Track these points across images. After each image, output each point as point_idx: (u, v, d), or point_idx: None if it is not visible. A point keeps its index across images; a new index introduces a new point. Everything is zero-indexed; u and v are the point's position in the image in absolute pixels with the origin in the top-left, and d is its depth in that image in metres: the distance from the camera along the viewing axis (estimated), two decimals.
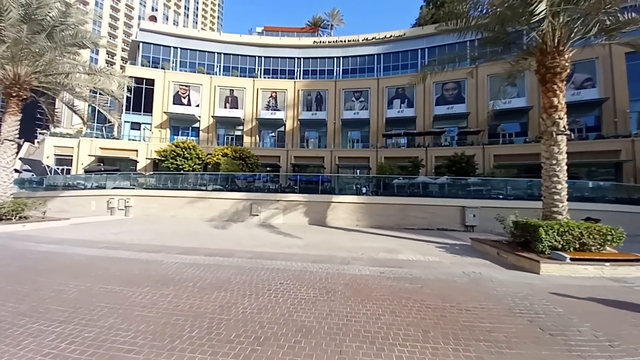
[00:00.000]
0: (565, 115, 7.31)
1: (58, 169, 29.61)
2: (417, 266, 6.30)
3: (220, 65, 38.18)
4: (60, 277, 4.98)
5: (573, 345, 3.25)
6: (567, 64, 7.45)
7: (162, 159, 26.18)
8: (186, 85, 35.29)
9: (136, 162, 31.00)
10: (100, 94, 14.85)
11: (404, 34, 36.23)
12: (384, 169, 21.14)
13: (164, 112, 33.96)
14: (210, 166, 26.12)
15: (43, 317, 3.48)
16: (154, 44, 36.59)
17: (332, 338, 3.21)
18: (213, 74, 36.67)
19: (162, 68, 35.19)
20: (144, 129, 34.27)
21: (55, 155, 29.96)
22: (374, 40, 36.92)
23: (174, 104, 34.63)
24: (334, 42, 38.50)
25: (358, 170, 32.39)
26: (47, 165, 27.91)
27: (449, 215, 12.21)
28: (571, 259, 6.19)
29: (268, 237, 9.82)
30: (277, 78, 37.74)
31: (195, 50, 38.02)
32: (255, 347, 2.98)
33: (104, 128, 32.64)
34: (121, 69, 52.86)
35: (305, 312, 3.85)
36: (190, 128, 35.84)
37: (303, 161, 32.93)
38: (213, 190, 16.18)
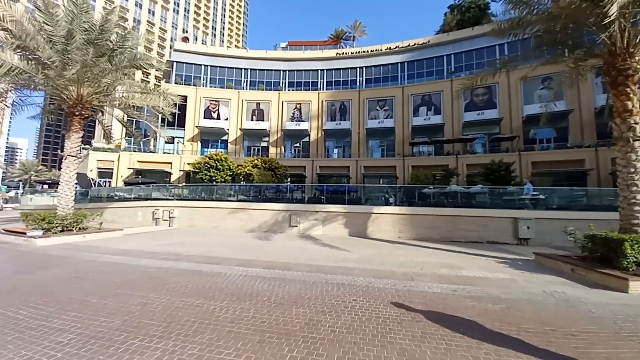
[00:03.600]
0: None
1: (101, 181, 31.62)
2: (489, 284, 5.91)
3: (247, 80, 39.69)
4: (139, 290, 5.13)
5: None
6: (639, 66, 6.94)
7: (196, 170, 27.21)
8: (216, 101, 36.89)
9: (170, 174, 32.51)
10: (146, 110, 15.82)
11: (429, 41, 35.91)
12: (420, 178, 20.56)
13: (196, 126, 35.59)
14: (241, 177, 26.76)
15: (140, 333, 3.54)
16: (186, 63, 38.79)
17: None
18: (240, 89, 38.14)
19: (194, 85, 37.09)
20: (177, 142, 35.98)
21: (98, 168, 32.05)
22: (397, 49, 36.86)
23: (204, 118, 36.24)
24: (356, 52, 38.89)
25: (382, 180, 31.90)
26: (92, 178, 29.88)
27: (500, 228, 11.54)
28: None
29: (316, 249, 9.72)
30: (301, 90, 38.55)
31: (224, 67, 39.85)
32: None
33: (141, 142, 34.63)
34: (155, 86, 56.47)
35: (398, 334, 3.65)
36: (219, 141, 37.25)
37: (328, 171, 32.99)
38: (252, 201, 16.48)
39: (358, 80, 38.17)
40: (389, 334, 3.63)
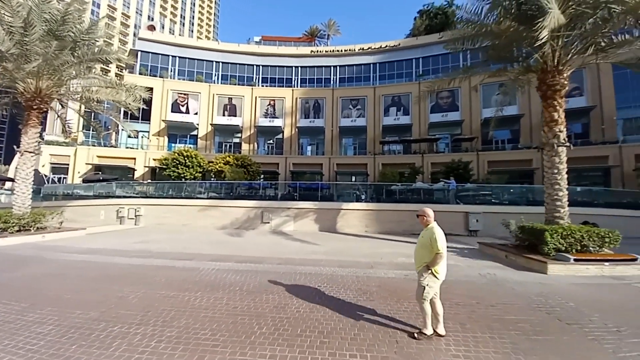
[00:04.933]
0: (565, 129, 8.04)
1: (54, 177, 29.34)
2: None
3: (218, 74, 38.72)
4: (113, 284, 5.29)
5: (588, 332, 3.79)
6: (565, 82, 8.21)
7: (164, 167, 26.28)
8: (185, 94, 35.61)
9: (134, 170, 30.98)
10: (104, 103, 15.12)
11: (399, 44, 37.46)
12: (387, 176, 21.75)
13: (162, 120, 34.16)
14: (212, 174, 26.33)
15: (119, 321, 3.81)
16: (152, 53, 36.92)
17: (385, 331, 3.68)
18: (211, 83, 37.12)
19: (161, 77, 35.46)
20: (142, 137, 34.26)
21: (51, 164, 29.66)
22: (369, 49, 38.01)
23: (172, 112, 34.88)
24: (330, 51, 39.48)
25: (354, 177, 33.07)
26: (44, 175, 27.65)
27: (455, 221, 12.85)
28: (575, 260, 6.80)
29: (287, 244, 10.21)
30: (275, 86, 38.41)
31: (194, 59, 38.48)
32: (323, 340, 3.42)
33: (101, 136, 32.53)
34: (116, 76, 52.80)
35: (353, 310, 4.30)
36: (188, 136, 36.09)
37: (301, 168, 33.42)
38: (224, 198, 16.48)
39: (332, 79, 38.82)
40: (346, 311, 4.26)
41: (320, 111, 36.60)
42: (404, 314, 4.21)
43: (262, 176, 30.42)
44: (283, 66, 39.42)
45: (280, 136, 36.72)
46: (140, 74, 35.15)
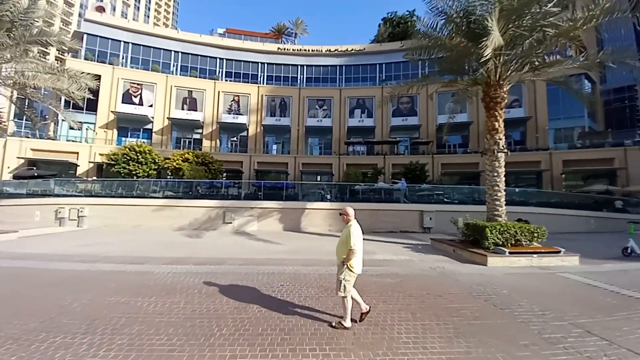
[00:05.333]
0: (504, 137, 9.06)
1: None
2: (393, 264, 7.28)
3: (177, 65, 36.50)
4: (53, 292, 4.80)
5: (518, 315, 4.37)
6: (505, 95, 9.25)
7: (112, 162, 24.00)
8: (138, 84, 32.95)
9: (76, 166, 27.87)
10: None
11: (364, 49, 38.69)
12: (350, 176, 22.39)
13: (112, 112, 31.26)
14: (168, 172, 24.71)
15: (61, 331, 3.50)
16: (100, 37, 33.59)
17: None
18: (169, 73, 34.83)
19: (111, 64, 32.38)
20: (86, 129, 30.93)
21: None
22: (336, 52, 38.69)
23: (123, 102, 32.08)
24: (298, 50, 39.39)
25: (320, 177, 33.53)
26: None
27: (411, 219, 13.75)
28: (509, 253, 7.73)
29: (250, 244, 10.05)
30: (240, 82, 37.25)
31: (149, 46, 35.80)
32: (284, 337, 3.50)
33: (37, 127, 28.70)
34: (56, 60, 46.81)
35: (314, 306, 4.45)
36: (141, 130, 33.49)
37: (266, 167, 32.95)
38: (182, 197, 15.60)
39: (299, 78, 38.76)
40: (308, 308, 4.38)
41: (286, 110, 36.36)
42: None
43: (224, 175, 29.36)
44: (248, 61, 38.39)
45: (244, 133, 35.73)
46: (86, 59, 31.72)
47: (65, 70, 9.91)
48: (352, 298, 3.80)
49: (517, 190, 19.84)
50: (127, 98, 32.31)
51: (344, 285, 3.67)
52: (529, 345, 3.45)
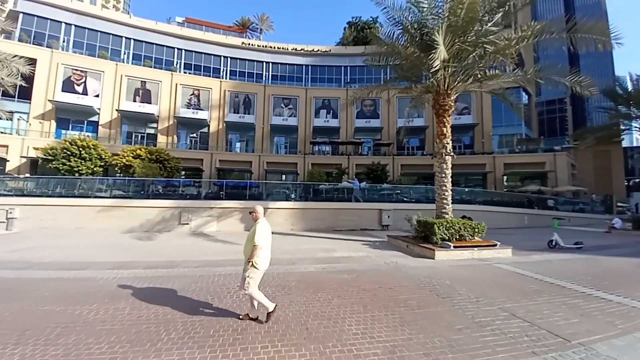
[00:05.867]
0: (451, 141, 9.91)
1: None
2: (351, 261, 7.59)
3: (129, 53, 33.65)
4: None
5: (456, 303, 4.86)
6: (452, 104, 10.10)
7: (50, 158, 21.36)
8: (82, 71, 29.75)
9: (6, 161, 24.35)
10: None
11: (330, 50, 39.25)
12: (314, 176, 22.63)
13: (49, 101, 27.80)
14: (117, 169, 22.69)
15: None
16: (39, 17, 29.70)
17: (297, 320, 3.99)
18: (119, 61, 31.93)
19: (50, 47, 28.75)
20: (18, 119, 27.18)
21: None
22: (302, 51, 38.69)
23: (63, 91, 28.73)
24: (263, 46, 38.61)
25: (285, 176, 33.39)
26: None
27: (371, 217, 14.36)
28: (454, 247, 8.49)
29: (207, 245, 9.69)
30: (200, 74, 35.46)
31: (96, 30, 32.53)
32: (236, 337, 3.50)
33: None
34: None
35: None
36: (86, 122, 30.30)
37: (229, 165, 31.84)
38: (133, 197, 14.43)
39: (264, 75, 38.04)
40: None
41: (251, 107, 35.49)
42: (317, 303, 4.61)
43: (183, 173, 27.79)
44: (210, 54, 36.72)
45: (205, 130, 34.14)
46: (20, 40, 27.83)
47: None
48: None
49: (466, 190, 21.75)
50: (68, 86, 28.97)
51: (249, 282, 3.77)
52: (462, 329, 3.87)
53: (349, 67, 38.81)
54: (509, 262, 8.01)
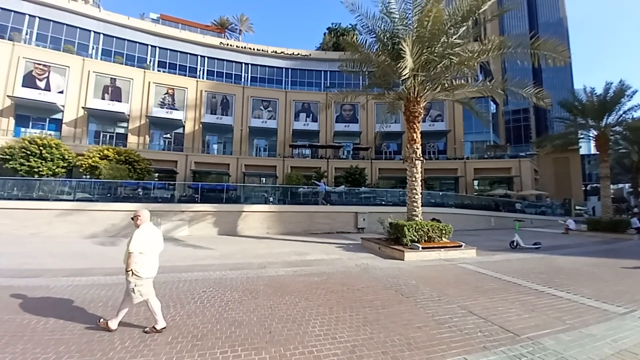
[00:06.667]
0: (422, 146, 10.32)
1: None
2: (322, 264, 7.64)
3: (97, 48, 31.96)
4: None
5: (419, 302, 5.04)
6: (422, 111, 10.54)
7: (7, 157, 19.75)
8: (45, 65, 27.86)
9: None
10: None
11: (310, 55, 39.53)
12: (292, 179, 22.58)
13: (8, 96, 25.77)
14: (82, 170, 21.36)
15: None
16: (1, 8, 27.41)
17: (261, 324, 3.96)
18: (87, 57, 30.24)
19: (11, 40, 26.69)
20: None
21: None
22: (282, 54, 38.64)
23: (24, 86, 26.76)
24: (242, 47, 38.14)
25: (264, 179, 33.02)
26: None
27: (346, 220, 14.55)
28: (422, 248, 8.81)
29: (175, 250, 9.34)
30: (175, 73, 34.36)
31: (62, 23, 30.63)
32: (195, 343, 3.43)
33: None
34: None
35: (234, 310, 4.44)
36: (48, 119, 28.36)
37: (206, 167, 31.01)
38: (98, 200, 13.64)
39: (243, 76, 37.53)
40: (226, 312, 4.35)
41: (229, 108, 34.84)
42: (284, 307, 4.61)
43: (155, 175, 26.68)
44: (186, 53, 35.71)
45: (180, 130, 33.04)
46: None
47: None
48: (126, 306, 3.72)
49: (440, 193, 22.66)
50: (29, 81, 27.02)
51: (138, 292, 3.59)
52: (422, 327, 4.03)
53: (328, 72, 39.25)
54: (472, 261, 8.42)
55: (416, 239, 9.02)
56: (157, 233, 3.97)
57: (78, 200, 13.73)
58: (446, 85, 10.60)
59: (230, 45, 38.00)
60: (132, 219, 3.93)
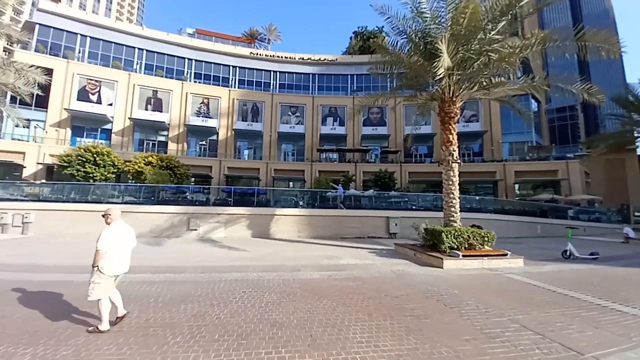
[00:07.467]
0: (458, 148, 9.84)
1: None
2: (356, 268, 7.52)
3: (141, 63, 34.73)
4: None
5: (464, 313, 4.75)
6: (458, 111, 10.07)
7: (65, 164, 22.06)
8: (97, 81, 30.80)
9: (22, 167, 25.19)
10: None
11: (337, 59, 39.75)
12: (321, 183, 22.68)
13: (65, 109, 28.81)
14: (129, 175, 23.22)
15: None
16: (54, 28, 31.03)
17: (302, 327, 3.96)
18: (132, 71, 33.00)
19: (65, 57, 29.98)
20: (35, 127, 28.22)
21: None
22: (309, 60, 39.28)
23: (79, 100, 29.74)
24: (270, 56, 39.40)
25: (292, 183, 33.52)
26: None
27: (377, 225, 14.25)
28: (463, 256, 8.34)
29: (213, 251, 9.77)
30: (210, 84, 36.30)
31: (110, 42, 33.72)
32: (240, 342, 3.51)
33: None
34: (4, 51, 42.27)
35: (274, 311, 4.50)
36: (99, 130, 31.20)
37: (237, 172, 32.20)
38: (143, 203, 14.73)
39: (272, 84, 38.68)
40: (267, 313, 4.42)
41: (258, 115, 36.02)
42: (322, 310, 4.58)
43: (192, 179, 28.22)
44: (219, 64, 37.61)
45: (214, 137, 34.73)
46: (37, 51, 29.09)
47: (12, 63, 9.08)
48: (110, 300, 3.81)
49: (477, 198, 21.43)
50: (83, 95, 30.03)
51: (93, 288, 3.62)
52: (470, 340, 3.78)
53: (355, 76, 39.15)
54: (520, 272, 7.81)
55: (455, 246, 8.57)
56: (128, 231, 4.06)
57: (126, 202, 14.91)
58: (484, 83, 10.05)
59: (260, 54, 39.43)
60: (103, 216, 3.94)
